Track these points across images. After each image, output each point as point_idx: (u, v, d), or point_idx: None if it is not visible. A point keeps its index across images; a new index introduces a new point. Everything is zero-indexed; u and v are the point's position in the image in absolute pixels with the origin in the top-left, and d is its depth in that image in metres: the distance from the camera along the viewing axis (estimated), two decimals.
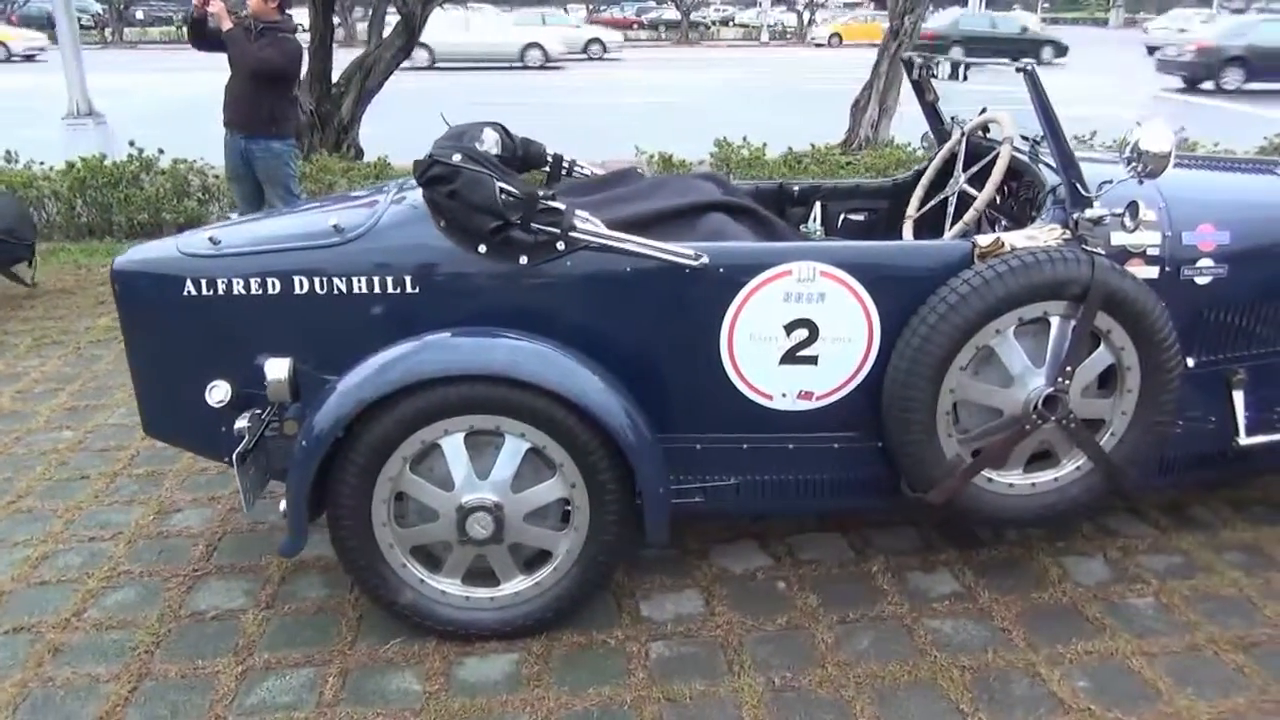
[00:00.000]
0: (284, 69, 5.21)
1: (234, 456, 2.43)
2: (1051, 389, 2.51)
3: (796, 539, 3.09)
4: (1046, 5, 54.13)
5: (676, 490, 2.70)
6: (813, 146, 7.47)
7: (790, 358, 2.58)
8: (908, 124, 9.36)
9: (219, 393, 2.56)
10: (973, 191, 2.91)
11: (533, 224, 2.44)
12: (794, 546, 3.06)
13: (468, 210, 2.43)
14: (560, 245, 2.49)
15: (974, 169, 3.07)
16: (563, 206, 2.47)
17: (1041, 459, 2.69)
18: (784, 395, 2.63)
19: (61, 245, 6.92)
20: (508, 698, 2.38)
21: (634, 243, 2.48)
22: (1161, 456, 2.88)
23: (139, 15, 40.05)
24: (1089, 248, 2.48)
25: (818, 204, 3.50)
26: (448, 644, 2.56)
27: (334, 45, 9.64)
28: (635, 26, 47.03)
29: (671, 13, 42.92)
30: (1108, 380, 2.63)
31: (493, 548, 2.50)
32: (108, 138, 9.77)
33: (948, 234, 2.92)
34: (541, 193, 2.46)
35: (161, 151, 7.32)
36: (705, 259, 2.49)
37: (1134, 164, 2.49)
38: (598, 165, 3.47)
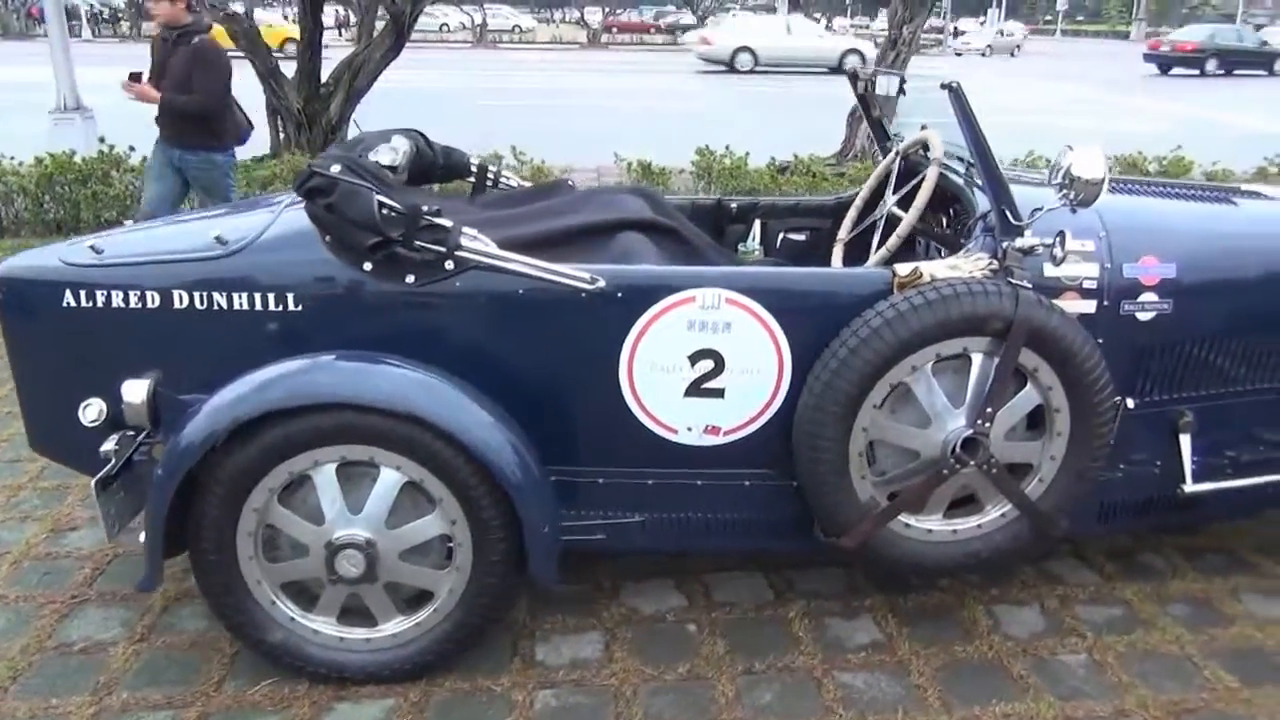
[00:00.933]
0: (214, 105, 4.95)
1: (94, 482, 2.28)
2: (971, 431, 2.33)
3: (715, 578, 2.91)
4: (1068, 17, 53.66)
5: (578, 526, 2.54)
6: (795, 156, 7.27)
7: (695, 390, 2.41)
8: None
9: (92, 411, 2.41)
10: (902, 214, 2.73)
11: (415, 241, 2.28)
12: (711, 586, 2.88)
13: (345, 225, 2.27)
14: (449, 264, 2.33)
15: (904, 191, 2.89)
16: (449, 223, 2.30)
17: (966, 504, 2.51)
18: (689, 429, 2.46)
19: (28, 242, 6.80)
20: None
21: (524, 263, 2.32)
22: (1102, 503, 2.70)
23: None
24: (1015, 280, 2.29)
25: (757, 222, 3.33)
26: (321, 687, 2.40)
27: (323, 44, 9.55)
28: (651, 30, 46.98)
29: (688, 17, 42.79)
30: (1037, 422, 2.45)
31: (366, 586, 2.33)
32: (94, 132, 9.70)
33: (871, 260, 2.74)
34: (426, 208, 2.30)
35: (132, 149, 7.21)
36: (602, 282, 2.33)
37: (1065, 191, 2.30)
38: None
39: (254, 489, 2.25)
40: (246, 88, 7.85)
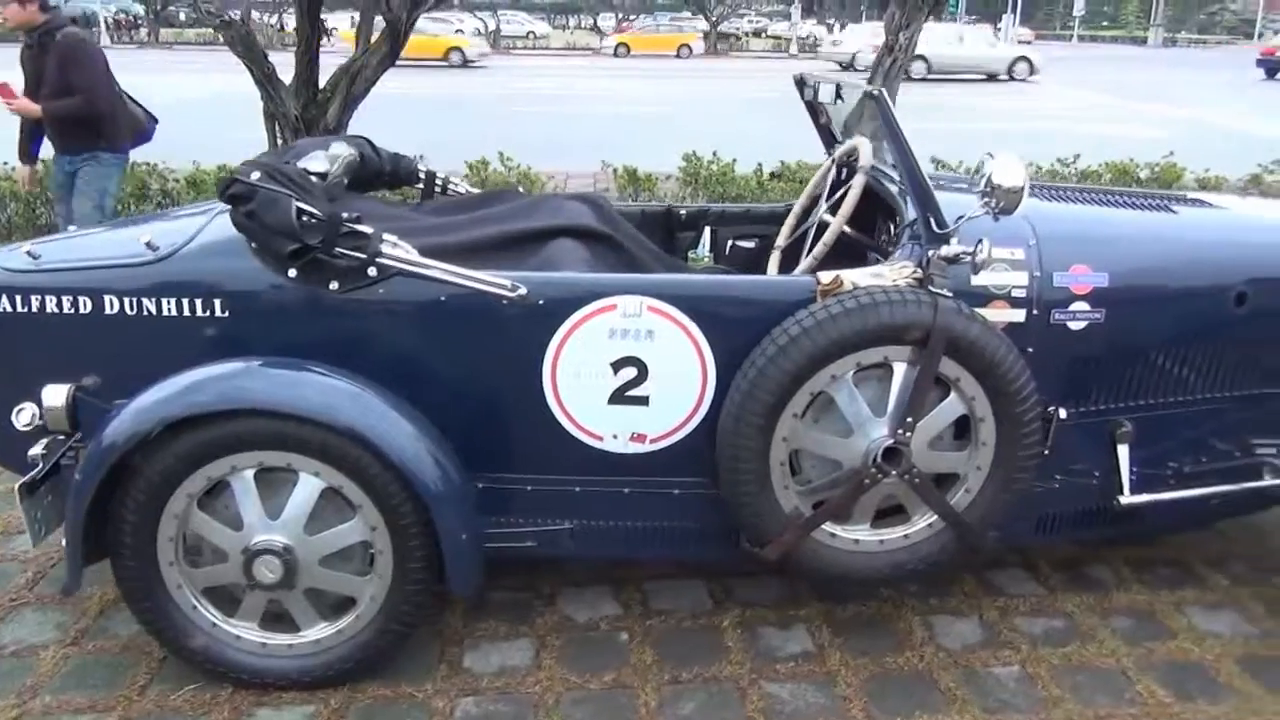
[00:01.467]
0: (99, 102, 4.63)
1: (18, 486, 2.29)
2: (892, 440, 2.31)
3: (655, 585, 2.90)
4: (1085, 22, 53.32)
5: (508, 533, 2.54)
6: (782, 163, 7.24)
7: (619, 398, 2.41)
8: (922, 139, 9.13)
9: (25, 415, 2.43)
10: (831, 221, 2.71)
11: (335, 248, 2.29)
12: (650, 594, 2.87)
13: (265, 231, 2.28)
14: (371, 271, 2.33)
15: (836, 198, 2.88)
16: (369, 230, 2.31)
17: (894, 514, 2.49)
18: (615, 437, 2.45)
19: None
20: None
21: (446, 270, 2.32)
22: (1039, 514, 2.67)
23: (181, 16, 40.52)
24: (936, 288, 2.28)
25: (706, 229, 3.32)
26: (244, 693, 2.40)
27: (320, 50, 9.61)
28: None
29: (702, 24, 42.78)
30: (964, 432, 2.43)
31: (285, 592, 2.34)
32: None
33: (799, 269, 2.73)
34: (345, 215, 2.30)
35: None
36: (523, 290, 2.32)
37: (987, 199, 2.28)
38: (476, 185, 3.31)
39: (173, 494, 2.26)
40: (246, 93, 7.94)
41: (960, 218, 2.34)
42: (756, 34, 48.03)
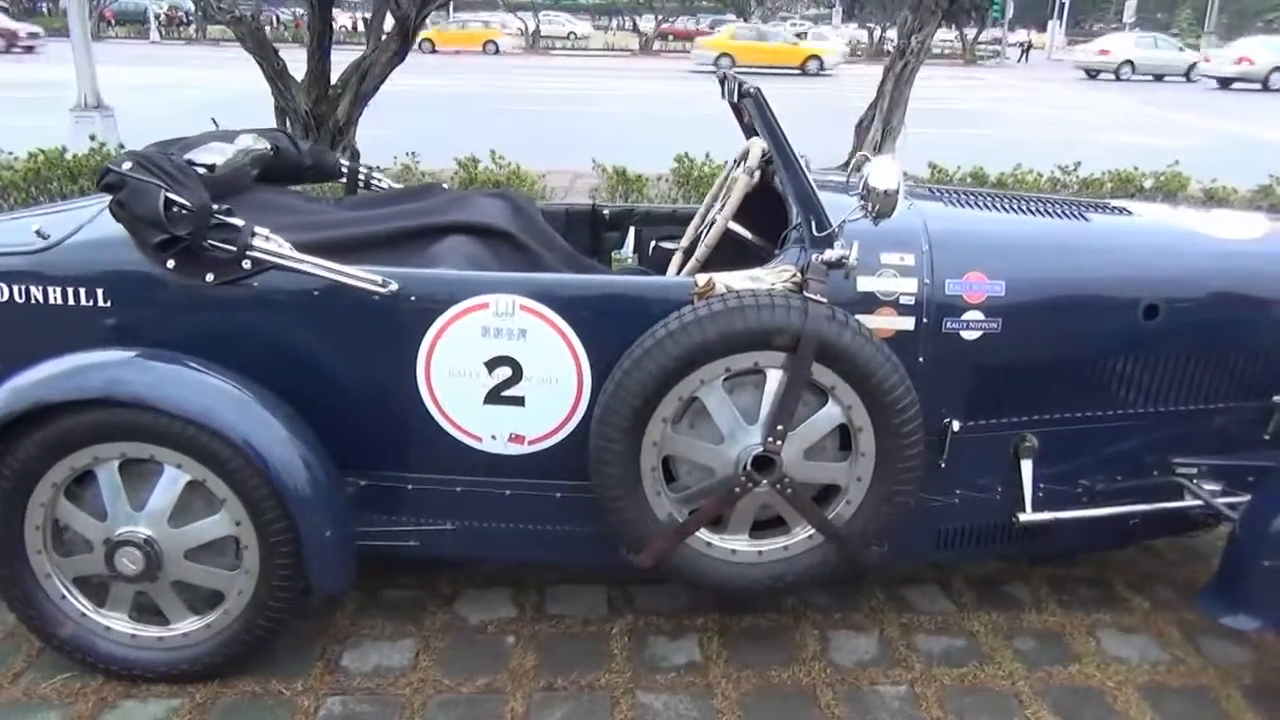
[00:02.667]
0: None
1: None
2: (762, 448, 2.24)
3: (555, 590, 2.86)
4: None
5: (391, 531, 2.52)
6: None
7: (495, 397, 2.37)
8: (931, 148, 9.01)
9: None
10: (736, 228, 2.65)
11: (205, 240, 2.28)
12: (548, 598, 2.83)
13: (136, 221, 2.28)
14: (246, 264, 2.32)
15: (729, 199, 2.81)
16: (239, 222, 2.29)
17: (775, 525, 2.42)
18: (493, 437, 2.41)
19: None
20: None
21: (317, 265, 2.30)
22: (939, 529, 2.59)
23: (198, 13, 41.10)
24: (810, 293, 2.21)
25: (631, 229, 3.27)
26: (114, 684, 2.40)
27: (332, 46, 9.69)
28: (712, 29, 46.89)
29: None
30: (849, 442, 2.35)
31: (152, 584, 2.33)
32: (114, 130, 9.98)
33: (684, 270, 2.66)
34: (216, 206, 2.29)
35: (122, 146, 7.37)
36: (394, 286, 2.29)
37: (864, 203, 2.21)
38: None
39: (38, 484, 2.26)
40: (256, 89, 7.98)
41: (844, 220, 2.26)
42: (800, 36, 47.73)
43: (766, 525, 2.42)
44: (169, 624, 2.40)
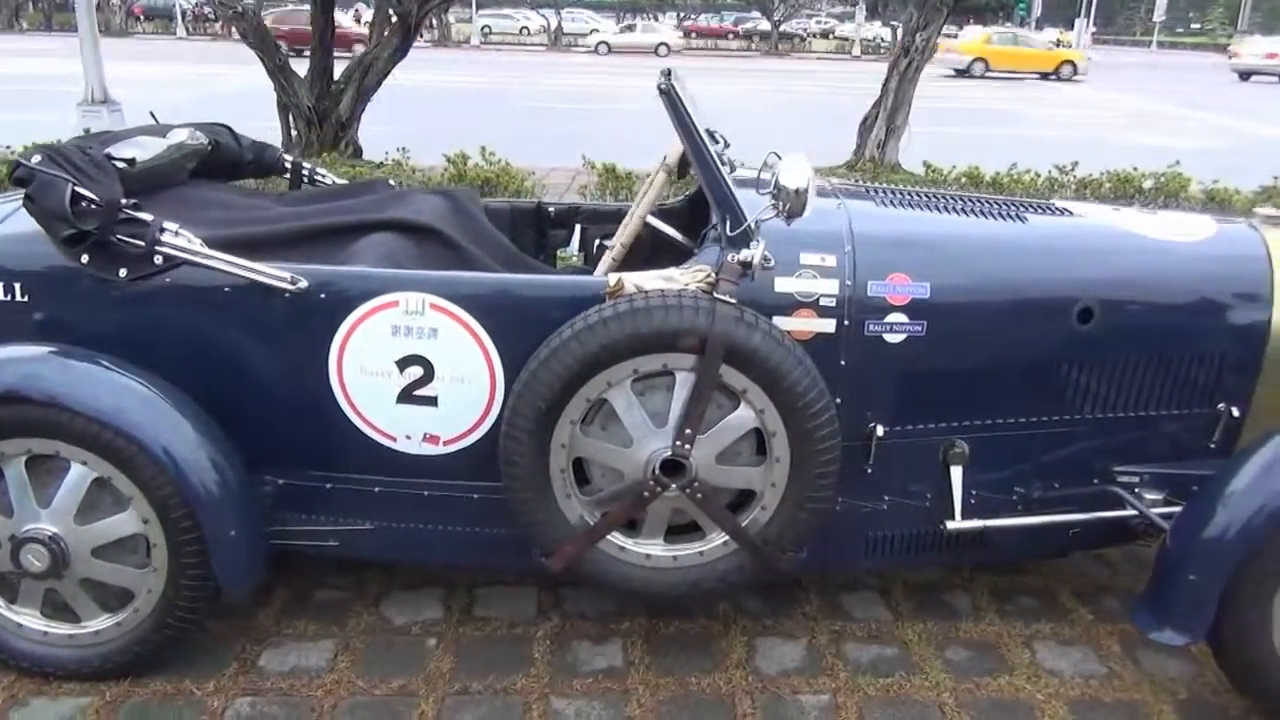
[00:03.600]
0: None
1: None
2: (670, 452, 2.20)
3: (485, 591, 2.83)
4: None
5: (311, 531, 2.50)
6: None
7: (408, 397, 2.34)
8: (934, 146, 8.92)
9: None
10: (657, 224, 2.60)
11: (113, 234, 2.26)
12: (477, 600, 2.79)
13: (45, 215, 2.27)
14: (158, 260, 2.30)
15: (650, 196, 2.76)
16: (148, 217, 2.28)
17: (692, 530, 2.37)
18: (408, 437, 2.38)
19: None
20: None
21: (226, 261, 2.28)
22: (867, 536, 2.53)
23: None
24: (720, 294, 2.15)
25: (578, 227, 3.22)
26: (25, 681, 2.39)
27: (333, 44, 9.72)
28: (729, 36, 46.75)
29: (766, 23, 42.43)
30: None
31: (59, 582, 2.32)
32: (121, 124, 10.06)
33: (599, 269, 2.62)
34: (124, 201, 2.27)
35: None
36: (304, 283, 2.27)
37: (775, 202, 2.16)
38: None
39: None
40: (258, 86, 7.98)
41: (760, 220, 2.21)
42: (824, 35, 47.47)
43: (683, 530, 2.37)
44: (80, 622, 2.38)
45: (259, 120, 9.31)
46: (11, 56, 24.16)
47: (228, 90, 16.62)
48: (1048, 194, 6.90)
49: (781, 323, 2.28)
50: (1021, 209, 2.63)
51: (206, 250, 2.29)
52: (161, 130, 2.82)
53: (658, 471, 2.21)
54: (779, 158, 2.17)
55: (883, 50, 39.07)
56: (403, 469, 2.42)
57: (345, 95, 9.67)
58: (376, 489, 2.46)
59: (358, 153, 9.62)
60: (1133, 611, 2.33)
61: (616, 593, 2.41)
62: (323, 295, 2.28)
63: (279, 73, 9.39)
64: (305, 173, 3.23)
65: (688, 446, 2.19)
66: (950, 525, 2.44)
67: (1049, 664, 2.57)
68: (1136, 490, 2.57)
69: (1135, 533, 2.62)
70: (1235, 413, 2.53)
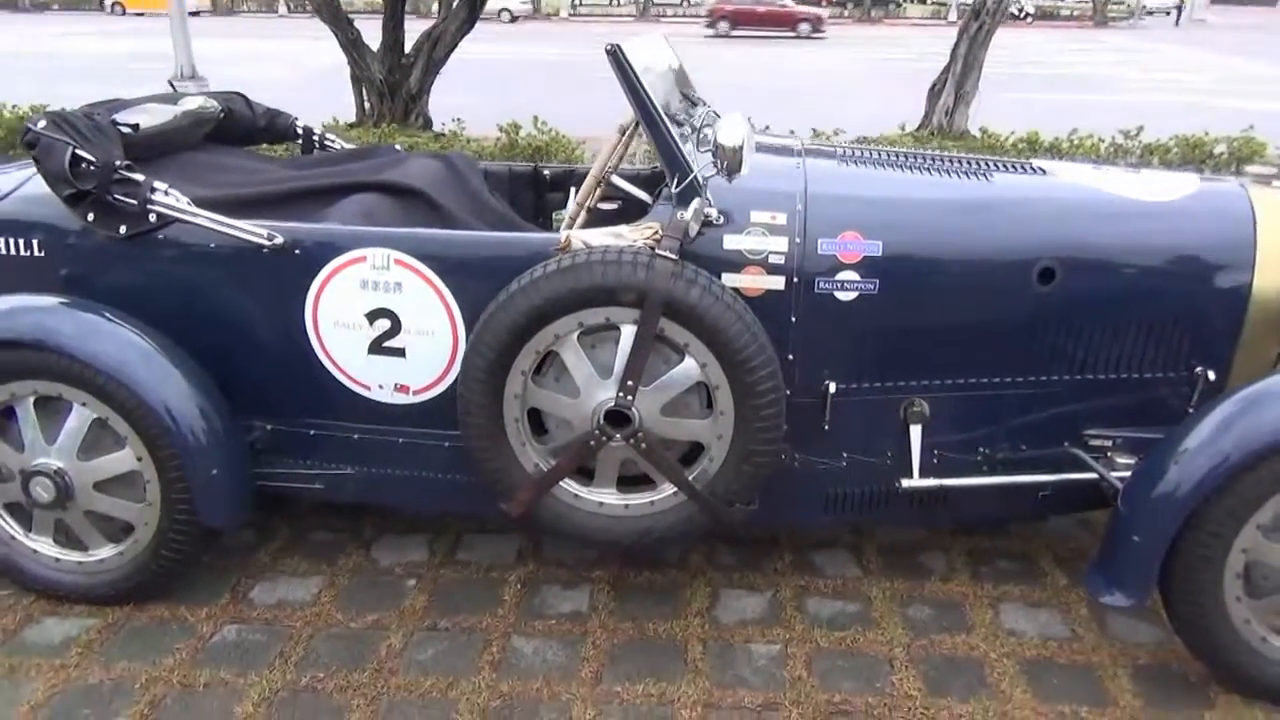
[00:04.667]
0: None
1: None
2: (614, 403, 2.27)
3: (471, 538, 2.96)
4: None
5: (298, 474, 2.66)
6: (856, 137, 6.97)
7: (378, 348, 2.47)
8: (1003, 110, 8.67)
9: None
10: (622, 184, 2.66)
11: (109, 194, 2.44)
12: (462, 544, 2.93)
13: (49, 176, 2.46)
14: (152, 217, 2.48)
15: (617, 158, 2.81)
16: (140, 177, 2.45)
17: (646, 480, 2.45)
18: (380, 387, 2.52)
19: None
20: (44, 662, 2.41)
21: (209, 218, 2.44)
22: (826, 492, 2.57)
23: None
24: (661, 250, 2.21)
25: (573, 190, 3.30)
26: (40, 602, 2.63)
27: (404, 15, 9.95)
28: (824, 3, 45.82)
29: None
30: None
31: (65, 513, 2.53)
32: None
33: (563, 227, 2.69)
34: (119, 162, 2.45)
35: None
36: (280, 239, 2.42)
37: (715, 160, 2.20)
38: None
39: None
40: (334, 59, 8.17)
41: (690, 176, 2.26)
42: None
43: (638, 481, 2.45)
44: (88, 550, 2.60)
45: (339, 93, 9.65)
46: (116, 36, 25.34)
47: (315, 64, 17.15)
48: (1111, 159, 6.66)
49: (731, 279, 2.33)
50: (992, 167, 2.60)
51: (192, 208, 2.45)
52: (173, 98, 3.01)
53: (602, 422, 2.29)
54: (718, 116, 2.21)
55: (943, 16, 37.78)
56: (378, 417, 2.56)
57: (415, 68, 9.90)
58: (355, 435, 2.60)
59: (427, 124, 9.85)
60: (1085, 575, 2.32)
61: (572, 539, 2.51)
62: (297, 251, 2.42)
63: (351, 47, 9.67)
64: (316, 138, 3.38)
65: (630, 398, 2.26)
66: (906, 483, 2.45)
67: (1011, 625, 2.57)
68: (1109, 454, 2.54)
69: (1107, 496, 2.59)
70: (1212, 377, 2.48)
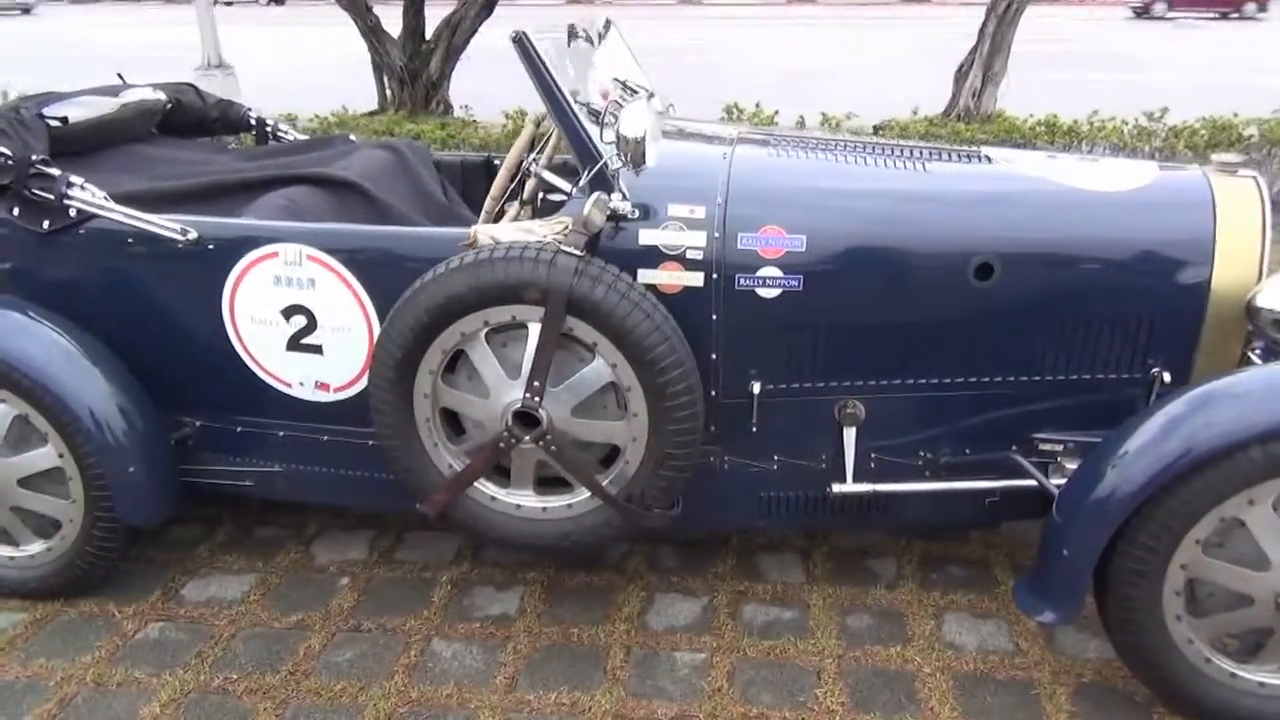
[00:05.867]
0: None
1: None
2: (520, 404, 2.20)
3: (414, 536, 2.92)
4: None
5: (228, 471, 2.64)
6: (829, 122, 6.79)
7: (295, 345, 2.43)
8: (1030, 92, 8.39)
9: None
10: (547, 176, 2.57)
11: (26, 188, 2.42)
12: (404, 543, 2.89)
13: None
14: (72, 212, 2.45)
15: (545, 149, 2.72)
16: (56, 173, 2.43)
17: (565, 483, 2.37)
18: (302, 384, 2.48)
19: None
20: None
21: (123, 214, 2.41)
22: (760, 495, 2.47)
23: None
24: (566, 245, 2.13)
25: (527, 181, 3.22)
26: None
27: (424, 2, 9.93)
28: None
29: None
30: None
31: None
32: (235, 88, 10.65)
33: (482, 219, 2.61)
34: (35, 157, 2.43)
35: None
36: (194, 234, 2.38)
37: (619, 151, 2.11)
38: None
39: None
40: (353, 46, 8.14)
41: (596, 167, 2.18)
42: None
43: (559, 483, 2.38)
44: (18, 545, 2.60)
45: (365, 78, 9.65)
46: (145, 26, 25.76)
47: (343, 52, 17.21)
48: (1133, 143, 6.39)
49: (648, 275, 2.24)
50: (934, 156, 2.46)
51: (108, 203, 2.42)
52: (113, 90, 2.98)
53: (511, 423, 2.22)
54: (620, 105, 2.12)
55: None
56: (302, 414, 2.52)
57: (435, 55, 9.88)
58: (281, 433, 2.57)
59: (448, 110, 9.84)
60: (1014, 589, 2.20)
61: (488, 541, 2.45)
62: (211, 246, 2.38)
63: (371, 34, 9.67)
64: (269, 129, 3.35)
65: (537, 399, 2.19)
66: (837, 488, 2.35)
67: (952, 637, 2.46)
68: (1059, 458, 2.42)
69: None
70: (1168, 378, 2.33)
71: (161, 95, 3.09)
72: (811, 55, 17.38)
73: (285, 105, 7.70)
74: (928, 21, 26.40)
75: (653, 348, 2.12)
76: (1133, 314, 2.31)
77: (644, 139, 2.06)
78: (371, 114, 9.46)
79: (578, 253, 2.11)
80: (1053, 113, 6.70)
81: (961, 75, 9.32)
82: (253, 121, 3.34)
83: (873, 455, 2.42)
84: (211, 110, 3.25)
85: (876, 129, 7.33)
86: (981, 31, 9.12)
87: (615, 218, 2.20)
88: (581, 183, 2.23)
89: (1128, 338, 2.33)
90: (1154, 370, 2.35)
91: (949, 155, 2.49)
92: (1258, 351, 2.40)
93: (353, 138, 3.33)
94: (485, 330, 2.20)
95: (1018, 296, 2.28)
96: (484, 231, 2.21)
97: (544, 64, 2.22)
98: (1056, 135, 6.42)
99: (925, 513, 2.52)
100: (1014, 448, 2.43)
